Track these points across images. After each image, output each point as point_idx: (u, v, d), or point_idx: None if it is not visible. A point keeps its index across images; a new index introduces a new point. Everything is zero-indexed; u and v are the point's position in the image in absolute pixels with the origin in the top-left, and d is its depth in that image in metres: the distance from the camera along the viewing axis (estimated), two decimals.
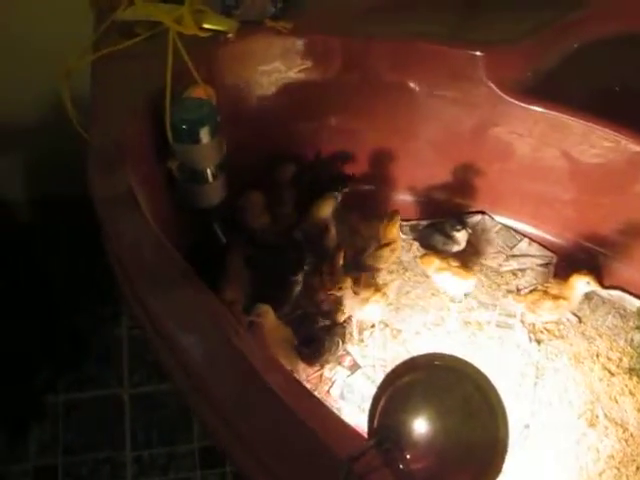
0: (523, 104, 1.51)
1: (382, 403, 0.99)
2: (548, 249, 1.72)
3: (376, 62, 1.53)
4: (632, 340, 1.55)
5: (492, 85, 1.50)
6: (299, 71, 1.53)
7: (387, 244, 1.60)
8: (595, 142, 1.48)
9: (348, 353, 1.51)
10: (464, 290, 1.59)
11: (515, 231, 1.75)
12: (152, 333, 1.09)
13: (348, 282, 1.47)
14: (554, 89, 1.53)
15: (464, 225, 1.63)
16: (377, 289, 1.51)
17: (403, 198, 1.78)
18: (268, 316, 1.33)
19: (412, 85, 1.56)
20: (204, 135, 1.27)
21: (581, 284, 1.47)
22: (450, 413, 0.96)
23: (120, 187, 1.15)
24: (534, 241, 1.73)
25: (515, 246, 1.72)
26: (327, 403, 1.41)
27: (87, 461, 1.61)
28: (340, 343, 1.47)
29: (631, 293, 1.62)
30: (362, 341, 1.54)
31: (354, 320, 1.54)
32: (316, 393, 1.43)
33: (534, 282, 1.64)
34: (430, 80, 1.55)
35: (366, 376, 1.48)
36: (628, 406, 1.45)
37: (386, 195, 1.76)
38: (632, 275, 1.62)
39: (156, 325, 1.04)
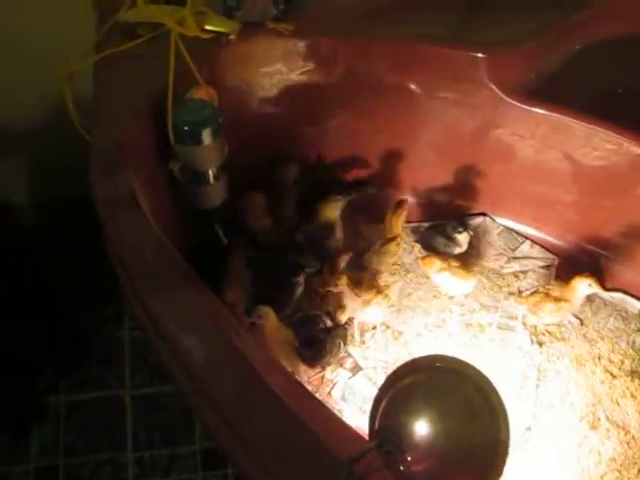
0: (525, 106, 1.51)
1: (383, 405, 0.99)
2: (550, 251, 1.71)
3: (377, 64, 1.53)
4: (634, 342, 1.55)
5: (494, 87, 1.50)
6: (300, 73, 1.53)
7: (393, 238, 1.60)
8: (597, 144, 1.48)
9: (349, 355, 1.51)
10: (464, 291, 1.59)
11: (517, 233, 1.75)
12: (154, 334, 1.09)
13: (343, 279, 1.47)
14: (556, 91, 1.53)
15: (466, 227, 1.62)
16: (379, 291, 1.51)
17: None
18: (269, 318, 1.33)
19: (413, 87, 1.56)
20: (206, 136, 1.27)
21: (583, 286, 1.47)
22: (451, 415, 0.96)
23: (122, 188, 1.15)
24: (536, 243, 1.73)
25: (517, 248, 1.72)
26: (328, 405, 1.41)
27: (88, 462, 1.61)
28: (341, 345, 1.47)
29: (633, 295, 1.62)
30: (363, 343, 1.53)
31: (356, 322, 1.54)
32: (317, 395, 1.43)
33: (536, 284, 1.64)
34: (432, 82, 1.55)
35: (367, 378, 1.48)
36: (630, 409, 1.45)
37: (388, 197, 1.76)
38: (634, 277, 1.61)
39: (157, 326, 1.04)
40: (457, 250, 1.63)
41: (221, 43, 1.43)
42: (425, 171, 1.73)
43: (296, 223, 1.62)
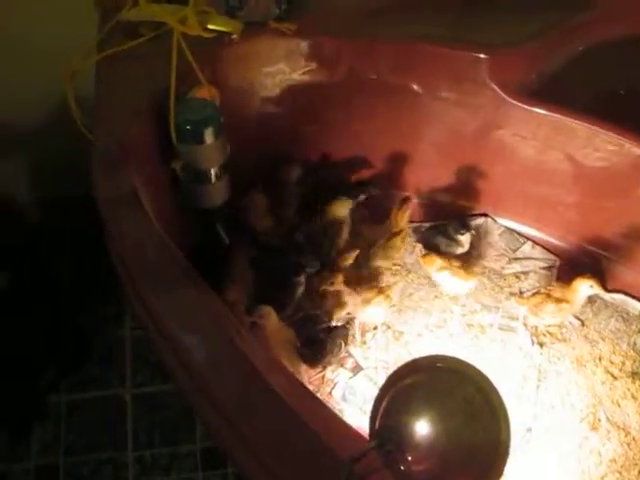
0: (527, 107, 1.50)
1: (384, 405, 0.99)
2: (551, 252, 1.71)
3: (380, 64, 1.53)
4: (635, 344, 1.55)
5: (495, 87, 1.50)
6: (303, 73, 1.53)
7: (397, 233, 1.61)
8: (599, 145, 1.48)
9: (350, 355, 1.51)
10: (463, 290, 1.59)
11: (518, 234, 1.75)
12: (155, 333, 1.09)
13: (340, 278, 1.47)
14: (558, 92, 1.52)
15: (467, 227, 1.62)
16: (380, 291, 1.51)
17: None
18: (270, 317, 1.33)
19: (415, 87, 1.56)
20: (208, 136, 1.27)
21: (584, 287, 1.47)
22: (452, 415, 0.96)
23: (124, 187, 1.15)
24: (537, 244, 1.73)
25: (518, 249, 1.72)
26: (329, 405, 1.41)
27: (89, 461, 1.61)
28: (342, 345, 1.47)
29: (634, 297, 1.62)
30: (364, 343, 1.54)
31: (357, 322, 1.54)
32: (318, 395, 1.43)
33: (537, 285, 1.64)
34: (434, 82, 1.54)
35: (368, 378, 1.48)
36: (630, 410, 1.45)
37: (389, 197, 1.76)
38: (635, 279, 1.61)
39: (158, 325, 1.05)
40: (459, 250, 1.63)
41: (223, 42, 1.43)
42: (427, 171, 1.73)
43: (297, 223, 1.62)
